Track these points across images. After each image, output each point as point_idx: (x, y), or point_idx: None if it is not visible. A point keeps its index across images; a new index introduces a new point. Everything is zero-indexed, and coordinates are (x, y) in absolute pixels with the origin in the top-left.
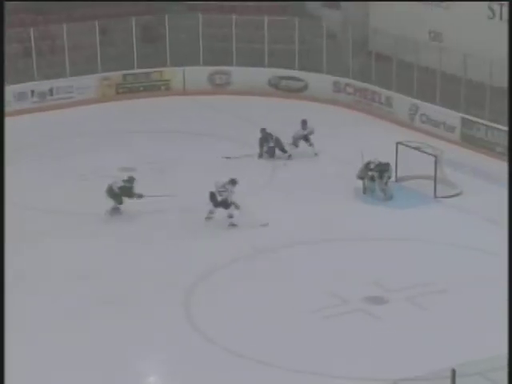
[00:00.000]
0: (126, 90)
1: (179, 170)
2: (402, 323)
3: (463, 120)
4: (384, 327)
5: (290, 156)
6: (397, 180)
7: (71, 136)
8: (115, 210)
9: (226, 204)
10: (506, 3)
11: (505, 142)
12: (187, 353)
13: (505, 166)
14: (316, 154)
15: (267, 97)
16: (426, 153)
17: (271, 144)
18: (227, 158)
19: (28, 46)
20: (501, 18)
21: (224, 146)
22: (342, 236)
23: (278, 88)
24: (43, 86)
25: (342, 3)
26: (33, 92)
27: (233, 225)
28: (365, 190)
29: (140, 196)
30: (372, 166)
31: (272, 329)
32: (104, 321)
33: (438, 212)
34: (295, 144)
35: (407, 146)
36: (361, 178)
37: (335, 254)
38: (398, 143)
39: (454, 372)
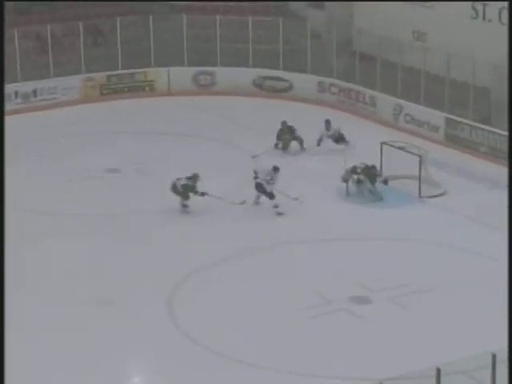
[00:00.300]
0: (111, 91)
1: (164, 171)
2: (387, 323)
3: (447, 120)
4: (368, 327)
5: (304, 149)
6: (382, 180)
7: (55, 137)
8: (184, 207)
9: (271, 194)
10: (489, 3)
11: (488, 141)
12: (173, 353)
13: (489, 165)
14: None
15: (252, 97)
16: (410, 153)
17: (289, 136)
18: (255, 156)
19: (12, 48)
20: (484, 18)
21: (209, 146)
22: (327, 236)
23: (263, 88)
24: (27, 87)
25: (326, 3)
26: (16, 93)
27: (280, 214)
28: (348, 194)
29: (203, 194)
30: (359, 170)
31: (257, 328)
32: (93, 321)
33: (423, 212)
34: (318, 144)
35: (392, 146)
36: (345, 180)
37: (321, 254)
38: (382, 143)
39: (438, 371)
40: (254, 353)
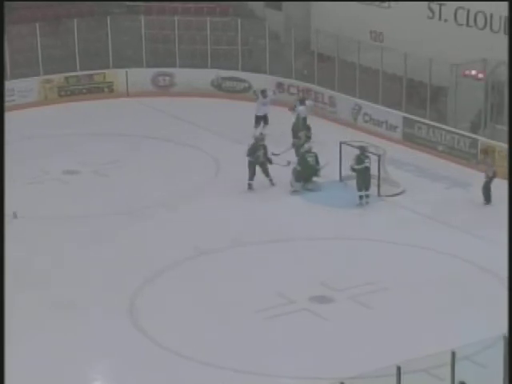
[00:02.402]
0: (69, 93)
1: (123, 173)
2: (347, 322)
3: (405, 119)
4: (329, 326)
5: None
6: (341, 179)
7: (14, 140)
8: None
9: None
10: (445, 3)
11: (446, 140)
12: (134, 356)
13: (446, 164)
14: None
15: (210, 98)
16: (368, 152)
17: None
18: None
19: None
20: (440, 18)
21: (167, 147)
22: (286, 236)
23: (221, 89)
24: None
25: (284, 4)
26: None
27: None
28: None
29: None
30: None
31: (217, 329)
32: (52, 326)
33: (382, 210)
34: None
35: (351, 145)
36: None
37: (280, 254)
38: (341, 143)
39: (399, 369)
40: (214, 353)
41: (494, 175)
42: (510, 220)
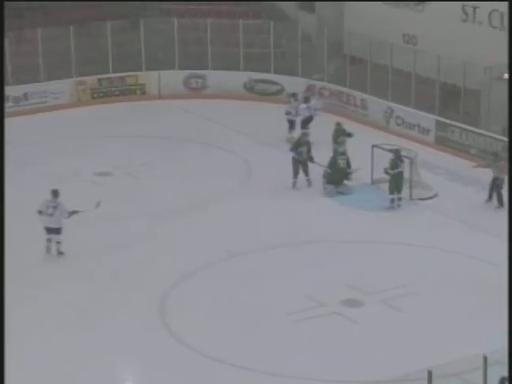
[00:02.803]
0: (102, 95)
1: (154, 175)
2: (378, 326)
3: (438, 122)
4: (360, 330)
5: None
6: (373, 182)
7: (46, 141)
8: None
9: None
10: (479, 6)
11: (478, 143)
12: (162, 356)
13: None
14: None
15: (242, 100)
16: (401, 155)
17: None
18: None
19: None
20: (474, 21)
21: (199, 149)
22: (317, 239)
23: (254, 91)
24: (17, 90)
25: (317, 6)
26: (7, 97)
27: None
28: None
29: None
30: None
31: (246, 331)
32: (83, 326)
33: (414, 214)
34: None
35: (382, 148)
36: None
37: (312, 256)
38: (373, 146)
39: (430, 373)
40: (243, 355)
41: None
42: (511, 220)
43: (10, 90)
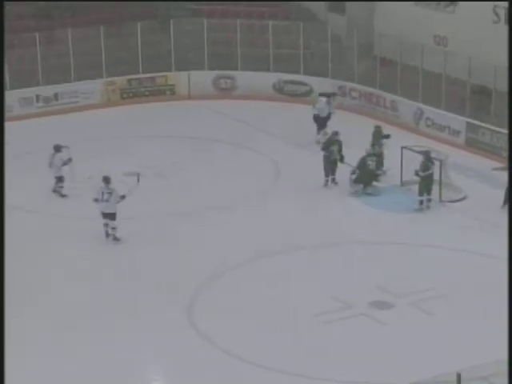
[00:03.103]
0: (131, 95)
1: (183, 175)
2: (407, 328)
3: (468, 124)
4: (389, 332)
5: None
6: (402, 184)
7: (76, 141)
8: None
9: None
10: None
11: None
12: (190, 356)
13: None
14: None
15: (271, 101)
16: (431, 157)
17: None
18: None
19: (33, 51)
20: (505, 22)
21: (228, 150)
22: (345, 240)
23: (283, 92)
24: (48, 90)
25: (347, 6)
26: (38, 97)
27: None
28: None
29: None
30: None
31: (272, 332)
32: (110, 324)
33: (443, 216)
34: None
35: (412, 150)
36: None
37: (339, 258)
38: (403, 147)
39: (459, 376)
40: (274, 357)
41: None
42: (510, 221)
43: (40, 90)
